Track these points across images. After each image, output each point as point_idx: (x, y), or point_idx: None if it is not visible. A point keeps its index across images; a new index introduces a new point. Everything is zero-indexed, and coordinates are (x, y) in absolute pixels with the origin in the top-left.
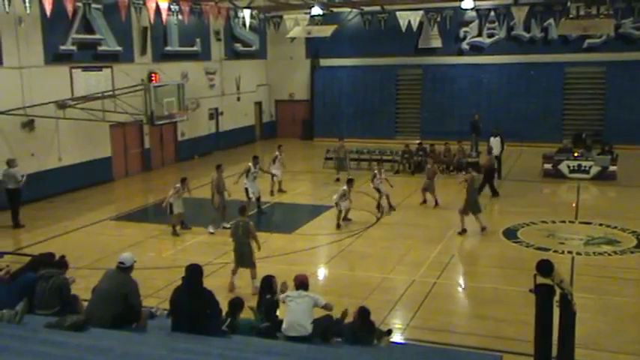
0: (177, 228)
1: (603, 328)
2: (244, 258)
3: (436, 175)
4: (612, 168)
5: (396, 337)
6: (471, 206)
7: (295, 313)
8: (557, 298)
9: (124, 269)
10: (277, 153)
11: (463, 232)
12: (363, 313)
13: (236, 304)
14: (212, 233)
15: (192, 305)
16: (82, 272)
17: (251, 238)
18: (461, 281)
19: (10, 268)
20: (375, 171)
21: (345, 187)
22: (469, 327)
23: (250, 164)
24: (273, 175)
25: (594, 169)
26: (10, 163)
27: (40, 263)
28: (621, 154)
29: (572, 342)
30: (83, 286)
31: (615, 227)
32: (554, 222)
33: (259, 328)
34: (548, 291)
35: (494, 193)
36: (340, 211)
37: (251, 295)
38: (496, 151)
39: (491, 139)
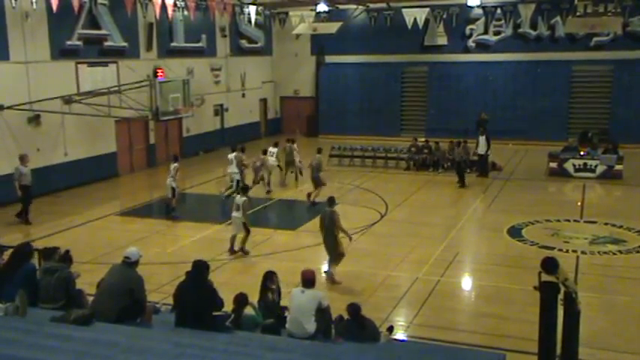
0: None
1: (607, 327)
2: (329, 249)
3: None
4: (618, 167)
5: (399, 335)
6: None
7: (296, 312)
8: (561, 296)
9: (130, 264)
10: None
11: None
12: (353, 309)
13: (240, 300)
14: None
15: (195, 300)
16: (87, 267)
17: (336, 228)
18: (464, 279)
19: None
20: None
21: None
22: (473, 325)
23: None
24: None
25: (600, 168)
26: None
27: (29, 255)
28: (628, 153)
29: (576, 340)
30: (88, 280)
31: (621, 226)
32: (558, 221)
33: (264, 324)
34: (553, 289)
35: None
36: None
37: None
38: (482, 149)
39: (479, 137)
